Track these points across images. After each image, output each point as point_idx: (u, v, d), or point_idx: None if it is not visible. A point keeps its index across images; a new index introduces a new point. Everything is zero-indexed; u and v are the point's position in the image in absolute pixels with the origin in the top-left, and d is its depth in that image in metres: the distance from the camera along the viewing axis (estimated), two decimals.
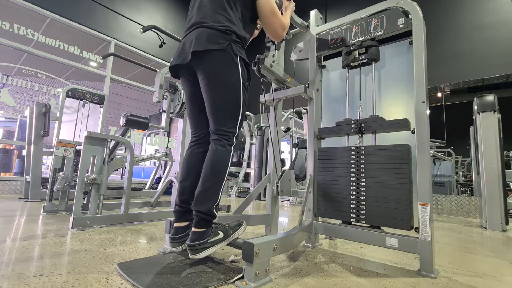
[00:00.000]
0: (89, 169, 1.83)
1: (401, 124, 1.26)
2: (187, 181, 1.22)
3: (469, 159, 4.12)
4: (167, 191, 4.12)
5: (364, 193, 1.31)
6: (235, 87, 1.17)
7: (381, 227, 1.26)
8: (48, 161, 6.38)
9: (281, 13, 1.44)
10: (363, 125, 1.38)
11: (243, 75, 1.20)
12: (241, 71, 1.19)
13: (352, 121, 1.42)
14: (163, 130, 3.04)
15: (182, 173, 1.25)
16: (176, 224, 1.19)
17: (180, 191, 1.21)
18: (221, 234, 1.10)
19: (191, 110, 1.31)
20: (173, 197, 2.40)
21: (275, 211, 1.67)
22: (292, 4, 1.46)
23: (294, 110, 4.95)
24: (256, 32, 1.49)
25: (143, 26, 2.95)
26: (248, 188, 5.38)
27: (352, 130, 1.41)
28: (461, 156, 4.33)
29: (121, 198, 2.12)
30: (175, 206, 1.21)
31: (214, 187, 1.11)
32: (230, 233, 1.13)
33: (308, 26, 1.71)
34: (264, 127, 4.84)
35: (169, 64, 2.63)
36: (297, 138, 4.95)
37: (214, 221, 1.12)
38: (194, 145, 1.29)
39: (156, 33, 2.64)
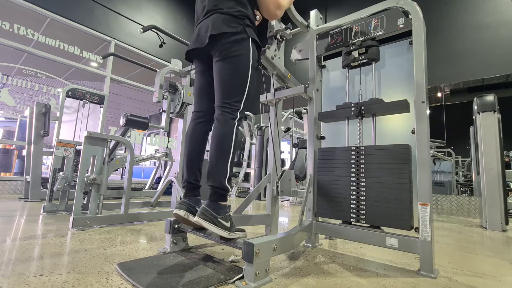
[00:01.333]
0: (89, 169, 1.83)
1: (401, 106, 1.26)
2: (192, 159, 1.29)
3: (469, 159, 4.12)
4: (167, 191, 4.11)
5: (364, 193, 1.31)
6: (245, 64, 1.23)
7: (381, 227, 1.26)
8: (48, 161, 6.38)
9: None
10: (363, 107, 1.38)
11: (253, 56, 1.26)
12: (252, 52, 1.25)
13: (352, 104, 1.42)
14: (163, 130, 3.04)
15: (187, 151, 1.31)
16: (185, 197, 1.26)
17: (187, 169, 1.28)
18: (229, 224, 1.13)
19: (200, 87, 1.37)
20: (173, 197, 2.40)
21: (275, 211, 1.66)
22: None
23: (294, 110, 4.95)
24: (256, 23, 1.51)
25: (143, 26, 2.94)
26: (248, 188, 5.38)
27: (352, 113, 1.41)
28: (461, 156, 4.33)
29: (121, 198, 2.12)
30: (184, 183, 1.28)
31: (222, 161, 1.15)
32: (233, 230, 1.13)
33: (308, 26, 1.71)
34: (264, 127, 4.84)
35: (169, 64, 2.64)
36: (297, 138, 4.95)
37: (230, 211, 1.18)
38: (197, 123, 1.34)
39: (156, 33, 2.64)
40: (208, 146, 1.26)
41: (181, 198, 1.31)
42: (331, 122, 1.63)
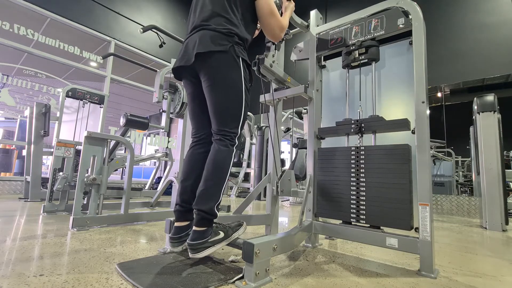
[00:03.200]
0: (89, 169, 1.83)
1: (401, 124, 1.26)
2: (188, 181, 1.22)
3: (469, 159, 4.12)
4: (167, 191, 4.12)
5: (364, 193, 1.31)
6: (237, 88, 1.18)
7: (381, 227, 1.26)
8: (48, 161, 6.38)
9: (281, 13, 1.44)
10: (363, 125, 1.38)
11: (245, 77, 1.21)
12: (243, 73, 1.20)
13: (352, 121, 1.42)
14: (163, 130, 3.04)
15: (183, 173, 1.25)
16: (176, 224, 1.19)
17: (181, 191, 1.22)
18: (222, 234, 1.11)
19: (193, 111, 1.32)
20: (173, 197, 2.40)
21: (275, 211, 1.67)
22: (292, 4, 1.46)
23: (294, 110, 4.95)
24: (256, 32, 1.50)
25: (143, 26, 2.94)
26: (248, 188, 5.38)
27: (352, 130, 1.41)
28: (461, 156, 4.33)
29: (121, 198, 2.12)
30: (176, 206, 1.21)
31: (216, 186, 1.11)
32: (230, 233, 1.13)
33: (308, 26, 1.71)
34: (264, 127, 4.84)
35: (169, 64, 2.64)
36: (297, 138, 4.95)
37: (214, 220, 1.12)
38: (195, 146, 1.30)
39: (156, 33, 2.64)
40: None
41: (171, 222, 1.25)
42: (331, 123, 1.63)
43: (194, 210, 1.09)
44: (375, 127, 1.35)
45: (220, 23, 1.19)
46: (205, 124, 1.29)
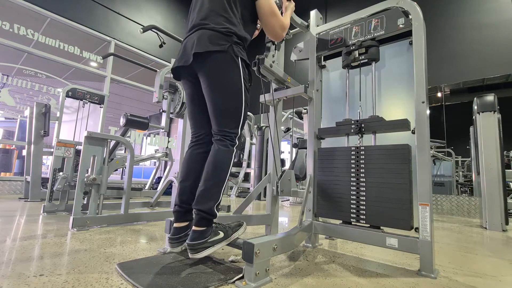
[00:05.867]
0: (89, 169, 1.83)
1: (401, 125, 1.26)
2: (187, 181, 1.22)
3: (469, 159, 4.12)
4: (167, 191, 4.12)
5: (364, 193, 1.31)
6: (237, 88, 1.17)
7: (381, 227, 1.26)
8: (48, 161, 6.38)
9: (281, 13, 1.44)
10: (363, 125, 1.38)
11: (244, 76, 1.20)
12: (242, 72, 1.19)
13: (352, 121, 1.42)
14: (163, 130, 3.04)
15: (182, 173, 1.25)
16: (175, 224, 1.18)
17: (180, 191, 1.21)
18: (221, 234, 1.10)
19: (192, 111, 1.31)
20: (173, 197, 2.40)
21: (275, 211, 1.67)
22: (292, 4, 1.46)
23: (294, 110, 4.95)
24: (256, 32, 1.50)
25: (143, 26, 2.94)
26: (248, 188, 5.38)
27: (352, 131, 1.41)
28: (461, 156, 4.33)
29: (121, 198, 2.12)
30: (175, 206, 1.21)
31: (216, 186, 1.11)
32: (230, 233, 1.13)
33: (308, 26, 1.71)
34: (264, 127, 4.84)
35: (169, 64, 2.64)
36: (297, 138, 4.95)
37: (214, 220, 1.12)
38: (195, 146, 1.29)
39: (156, 33, 2.64)
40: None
41: (171, 222, 1.24)
42: (331, 123, 1.63)
43: (194, 210, 1.09)
44: (375, 128, 1.35)
45: (219, 22, 1.18)
46: (204, 124, 1.29)
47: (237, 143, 1.20)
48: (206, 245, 1.06)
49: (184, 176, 1.24)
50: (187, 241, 1.08)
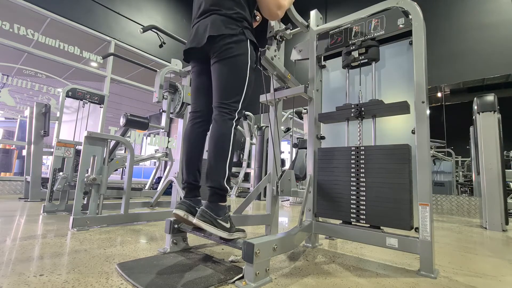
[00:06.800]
0: (89, 169, 1.83)
1: (401, 107, 1.26)
2: (191, 159, 1.28)
3: (469, 159, 4.12)
4: (167, 191, 4.12)
5: (364, 193, 1.31)
6: (243, 65, 1.24)
7: (381, 227, 1.26)
8: (48, 161, 6.38)
9: None
10: (363, 109, 1.38)
11: (251, 57, 1.27)
12: (250, 54, 1.26)
13: (352, 105, 1.42)
14: (163, 130, 3.04)
15: (185, 151, 1.30)
16: (185, 198, 1.25)
17: (186, 170, 1.27)
18: (228, 225, 1.13)
19: (197, 87, 1.37)
20: (173, 197, 2.40)
21: (275, 211, 1.67)
22: None
23: (294, 110, 4.95)
24: (255, 24, 1.52)
25: (143, 26, 2.94)
26: (248, 188, 5.38)
27: (352, 115, 1.41)
28: (461, 156, 4.33)
29: (121, 198, 2.12)
30: (184, 183, 1.27)
31: (221, 162, 1.15)
32: (233, 230, 1.13)
33: (308, 26, 1.71)
34: (264, 127, 4.84)
35: (169, 64, 2.64)
36: (297, 138, 4.95)
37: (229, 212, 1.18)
38: (195, 123, 1.34)
39: (156, 33, 2.64)
40: (206, 146, 1.26)
41: (181, 199, 1.31)
42: (331, 123, 1.63)
43: (206, 186, 1.14)
44: (375, 111, 1.35)
45: (229, 7, 1.25)
46: (207, 100, 1.33)
47: (237, 117, 1.23)
48: (214, 223, 1.09)
49: (187, 154, 1.29)
50: (201, 206, 1.13)
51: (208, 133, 1.29)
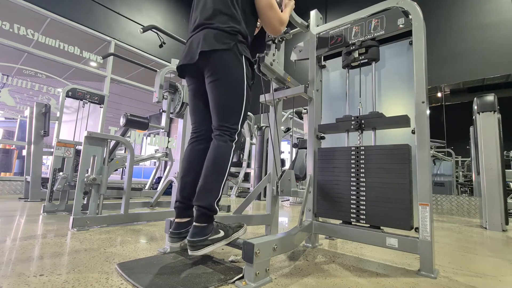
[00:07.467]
0: (89, 169, 1.83)
1: (401, 120, 1.26)
2: (188, 177, 1.23)
3: (469, 159, 4.11)
4: (167, 191, 4.12)
5: (364, 193, 1.31)
6: (239, 84, 1.20)
7: (381, 227, 1.26)
8: (48, 161, 6.38)
9: (281, 10, 1.44)
10: (363, 121, 1.38)
11: (247, 74, 1.23)
12: (246, 70, 1.22)
13: (352, 117, 1.42)
14: (163, 130, 3.04)
15: (183, 169, 1.26)
16: (177, 220, 1.19)
17: (181, 188, 1.23)
18: (222, 233, 1.11)
19: (194, 107, 1.33)
20: (173, 197, 2.39)
21: (275, 211, 1.67)
22: (292, 1, 1.46)
23: (294, 110, 4.95)
24: (256, 30, 1.50)
25: (143, 26, 2.94)
26: (248, 188, 5.38)
27: (352, 127, 1.41)
28: (461, 156, 4.33)
29: (121, 198, 2.12)
30: (176, 202, 1.22)
31: (216, 182, 1.12)
32: (230, 233, 1.13)
33: (308, 26, 1.71)
34: (264, 127, 4.84)
35: (169, 64, 2.64)
36: (297, 138, 4.95)
37: (215, 220, 1.12)
38: (195, 142, 1.31)
39: (156, 33, 2.64)
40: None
41: (171, 222, 1.25)
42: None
43: (194, 206, 1.10)
44: (375, 124, 1.35)
45: (224, 21, 1.20)
46: (206, 119, 1.30)
47: (237, 139, 1.21)
48: (206, 242, 1.06)
49: (184, 172, 1.25)
50: (187, 237, 1.08)
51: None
